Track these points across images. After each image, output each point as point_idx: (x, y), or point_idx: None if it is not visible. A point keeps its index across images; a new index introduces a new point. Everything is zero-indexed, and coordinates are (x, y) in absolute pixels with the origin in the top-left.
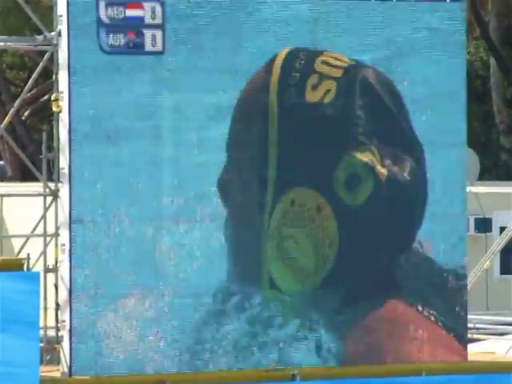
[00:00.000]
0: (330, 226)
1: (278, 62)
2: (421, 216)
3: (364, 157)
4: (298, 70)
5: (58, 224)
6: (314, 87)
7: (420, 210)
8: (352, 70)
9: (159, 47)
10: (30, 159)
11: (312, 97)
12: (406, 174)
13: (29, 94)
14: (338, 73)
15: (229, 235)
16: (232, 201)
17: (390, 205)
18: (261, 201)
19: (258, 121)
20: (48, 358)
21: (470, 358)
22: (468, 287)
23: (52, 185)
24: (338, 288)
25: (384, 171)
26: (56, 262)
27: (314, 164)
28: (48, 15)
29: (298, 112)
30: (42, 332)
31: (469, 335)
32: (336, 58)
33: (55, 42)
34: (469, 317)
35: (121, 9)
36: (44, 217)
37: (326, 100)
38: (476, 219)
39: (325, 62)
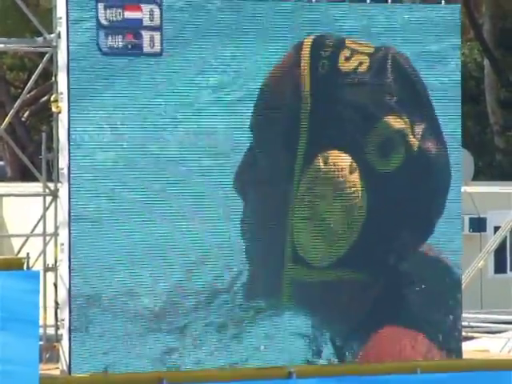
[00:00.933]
0: (360, 188)
1: (307, 43)
2: (444, 198)
3: (397, 124)
4: (328, 46)
5: (58, 223)
6: (347, 59)
7: (445, 191)
8: (382, 48)
9: (157, 49)
10: (30, 159)
11: (345, 66)
12: (433, 149)
13: (28, 95)
14: (370, 49)
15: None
16: (259, 169)
17: (419, 176)
18: (289, 167)
19: (290, 95)
20: (47, 356)
21: (464, 355)
22: (462, 286)
23: (51, 185)
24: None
25: (416, 141)
26: (55, 262)
27: (347, 128)
28: (47, 17)
29: (331, 79)
30: (41, 330)
31: (463, 333)
32: (362, 44)
33: (55, 43)
34: (463, 315)
35: (119, 11)
36: (43, 216)
37: (360, 70)
38: (471, 219)
39: (354, 42)
